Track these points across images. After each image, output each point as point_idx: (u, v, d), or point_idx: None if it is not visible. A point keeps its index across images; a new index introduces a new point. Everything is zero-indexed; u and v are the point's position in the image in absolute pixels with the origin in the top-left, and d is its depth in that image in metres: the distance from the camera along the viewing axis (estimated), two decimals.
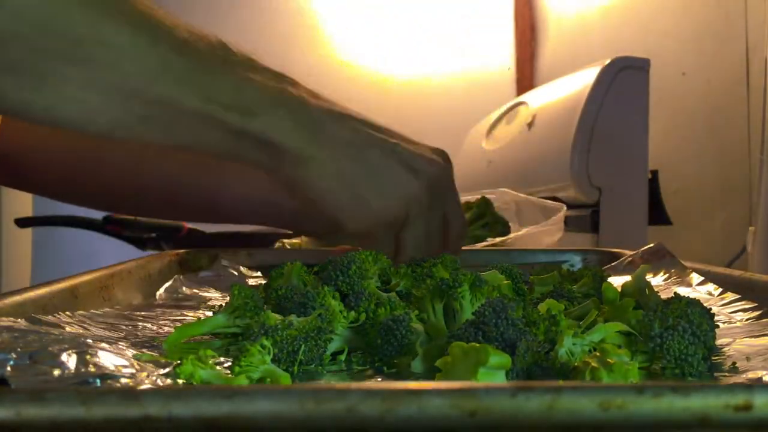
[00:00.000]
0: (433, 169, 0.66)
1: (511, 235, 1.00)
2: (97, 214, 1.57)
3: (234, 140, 0.56)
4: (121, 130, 0.53)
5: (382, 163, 0.63)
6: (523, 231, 1.01)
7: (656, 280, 0.70)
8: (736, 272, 0.62)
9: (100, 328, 0.48)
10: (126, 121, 0.52)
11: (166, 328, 0.51)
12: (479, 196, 1.09)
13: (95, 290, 0.56)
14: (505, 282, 0.57)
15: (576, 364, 0.38)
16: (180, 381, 0.36)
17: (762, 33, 1.28)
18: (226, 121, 0.55)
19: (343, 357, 0.45)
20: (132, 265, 0.66)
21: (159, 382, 0.36)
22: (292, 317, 0.43)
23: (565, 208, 1.07)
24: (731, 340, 0.47)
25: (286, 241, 1.17)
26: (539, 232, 1.00)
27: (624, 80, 1.39)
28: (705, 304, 0.45)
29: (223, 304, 0.51)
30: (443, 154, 0.69)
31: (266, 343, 0.39)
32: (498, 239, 1.00)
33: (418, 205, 0.65)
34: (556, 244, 1.01)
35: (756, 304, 0.54)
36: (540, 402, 0.22)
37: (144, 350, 0.43)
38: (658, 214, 1.52)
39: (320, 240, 0.91)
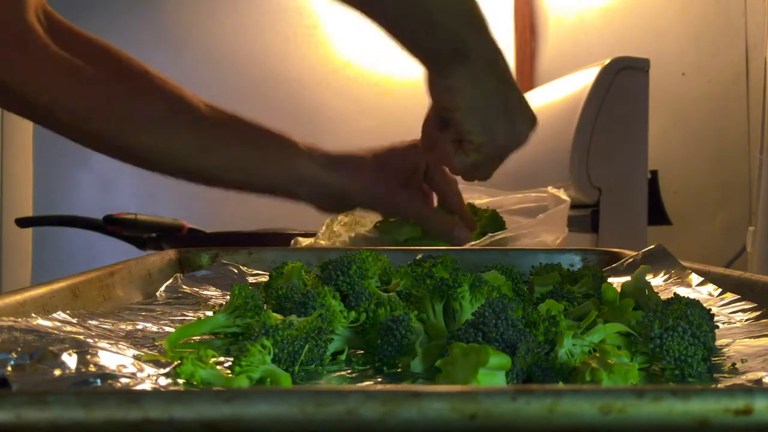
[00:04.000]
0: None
1: (510, 230, 1.00)
2: (97, 214, 1.57)
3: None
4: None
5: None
6: (525, 223, 1.01)
7: (656, 281, 0.70)
8: (736, 273, 0.62)
9: (101, 327, 0.48)
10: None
11: (166, 328, 0.51)
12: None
13: (95, 289, 0.56)
14: (505, 282, 0.57)
15: (576, 364, 0.38)
16: (180, 381, 0.36)
17: (762, 33, 1.28)
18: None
19: (343, 357, 0.45)
20: (132, 264, 0.66)
21: (159, 381, 0.36)
22: (293, 317, 0.43)
23: (569, 202, 1.07)
24: (731, 340, 0.47)
25: (301, 239, 1.17)
26: (539, 228, 1.00)
27: (624, 80, 1.39)
28: (705, 305, 0.45)
29: (223, 304, 0.51)
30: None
31: (267, 342, 0.39)
32: (499, 234, 0.99)
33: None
34: (558, 244, 1.01)
35: (756, 305, 0.54)
36: (540, 405, 0.22)
37: (144, 350, 0.43)
38: (657, 214, 1.52)
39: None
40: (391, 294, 0.54)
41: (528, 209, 1.15)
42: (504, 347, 0.38)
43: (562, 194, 1.09)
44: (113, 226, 1.53)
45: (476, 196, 1.16)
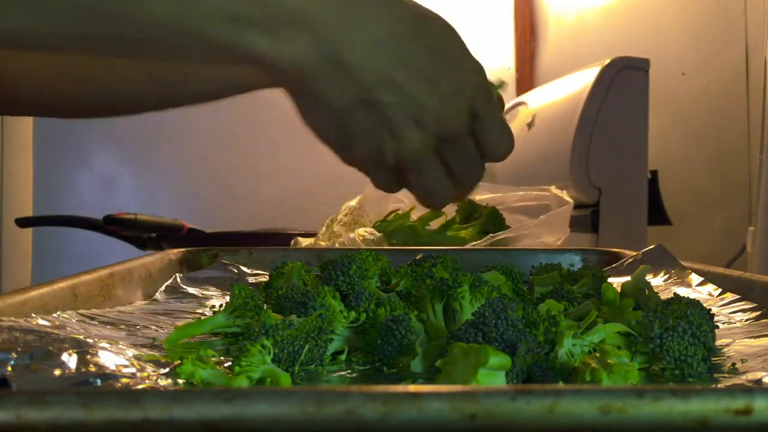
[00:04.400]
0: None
1: (511, 229, 1.00)
2: (98, 214, 1.57)
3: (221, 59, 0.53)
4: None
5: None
6: (526, 223, 1.01)
7: (656, 281, 0.70)
8: (736, 273, 0.62)
9: (101, 327, 0.48)
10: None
11: (166, 328, 0.51)
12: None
13: (95, 290, 0.56)
14: (505, 282, 0.57)
15: (576, 364, 0.38)
16: (180, 380, 0.36)
17: (762, 33, 1.28)
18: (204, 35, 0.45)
19: (343, 357, 0.45)
20: (132, 265, 0.66)
21: (159, 381, 0.36)
22: (293, 317, 0.43)
23: (572, 203, 1.07)
24: (731, 340, 0.47)
25: (301, 239, 1.17)
26: (541, 228, 1.00)
27: (624, 80, 1.39)
28: (705, 305, 0.45)
29: (224, 304, 0.51)
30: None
31: (267, 342, 0.39)
32: (500, 234, 0.99)
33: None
34: (559, 244, 1.01)
35: (756, 305, 0.54)
36: (540, 405, 0.22)
37: (144, 350, 0.43)
38: (657, 214, 1.52)
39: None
40: (391, 294, 0.54)
41: (529, 207, 1.15)
42: (504, 347, 0.38)
43: (565, 195, 1.09)
44: (113, 226, 1.53)
45: (477, 191, 1.16)
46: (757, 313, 0.53)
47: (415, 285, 0.56)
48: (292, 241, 1.18)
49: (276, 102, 0.62)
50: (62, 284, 0.52)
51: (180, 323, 0.52)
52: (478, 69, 0.55)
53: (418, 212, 1.06)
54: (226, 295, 0.66)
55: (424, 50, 0.51)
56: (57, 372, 0.33)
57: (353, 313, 0.47)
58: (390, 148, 0.51)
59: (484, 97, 0.54)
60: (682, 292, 0.63)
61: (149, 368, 0.38)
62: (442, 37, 0.53)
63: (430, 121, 0.51)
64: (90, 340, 0.39)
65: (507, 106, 1.78)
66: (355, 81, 0.48)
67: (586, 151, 1.36)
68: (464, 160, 0.54)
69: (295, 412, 0.21)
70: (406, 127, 0.51)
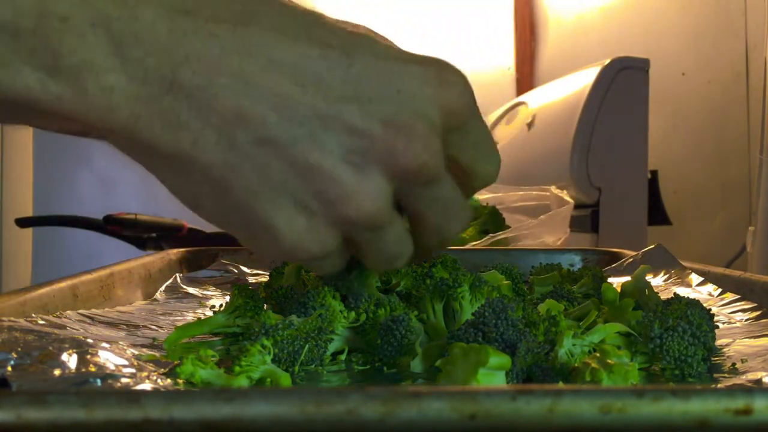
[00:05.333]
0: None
1: (512, 229, 1.00)
2: (98, 214, 1.57)
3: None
4: None
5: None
6: (527, 223, 1.01)
7: (656, 281, 0.70)
8: (736, 272, 0.62)
9: (101, 327, 0.48)
10: None
11: (167, 328, 0.51)
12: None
13: (95, 290, 0.56)
14: (505, 282, 0.57)
15: (576, 364, 0.38)
16: (180, 380, 0.36)
17: (762, 33, 1.28)
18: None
19: (343, 357, 0.45)
20: (132, 265, 0.66)
21: (159, 381, 0.36)
22: (293, 317, 0.43)
23: (572, 204, 1.07)
24: (731, 340, 0.47)
25: None
26: (541, 228, 1.00)
27: (624, 80, 1.39)
28: (705, 305, 0.45)
29: (223, 304, 0.51)
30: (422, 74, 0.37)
31: (267, 342, 0.39)
32: (500, 234, 0.99)
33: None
34: (558, 244, 1.01)
35: (756, 305, 0.54)
36: (540, 405, 0.22)
37: (144, 350, 0.43)
38: (657, 214, 1.52)
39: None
40: (391, 294, 0.54)
41: (529, 207, 1.15)
42: (504, 347, 0.38)
43: (566, 195, 1.09)
44: (113, 226, 1.53)
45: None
46: (757, 313, 0.53)
47: (415, 285, 0.56)
48: None
49: None
50: (62, 284, 0.52)
51: (180, 323, 0.52)
52: (443, 77, 0.38)
53: None
54: (226, 295, 0.66)
55: (337, 62, 0.35)
56: (57, 372, 0.33)
57: (353, 313, 0.47)
58: (320, 211, 0.35)
59: (462, 106, 0.39)
60: (682, 292, 0.63)
61: (149, 368, 0.38)
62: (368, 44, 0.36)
63: (380, 157, 0.35)
64: (90, 340, 0.39)
65: (507, 105, 1.78)
66: (217, 110, 0.33)
67: (586, 151, 1.36)
68: (443, 206, 0.40)
69: (295, 412, 0.21)
70: (335, 173, 0.34)
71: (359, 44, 0.36)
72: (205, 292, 0.69)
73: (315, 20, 0.36)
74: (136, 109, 0.32)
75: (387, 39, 0.39)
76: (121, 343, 0.43)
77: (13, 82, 0.31)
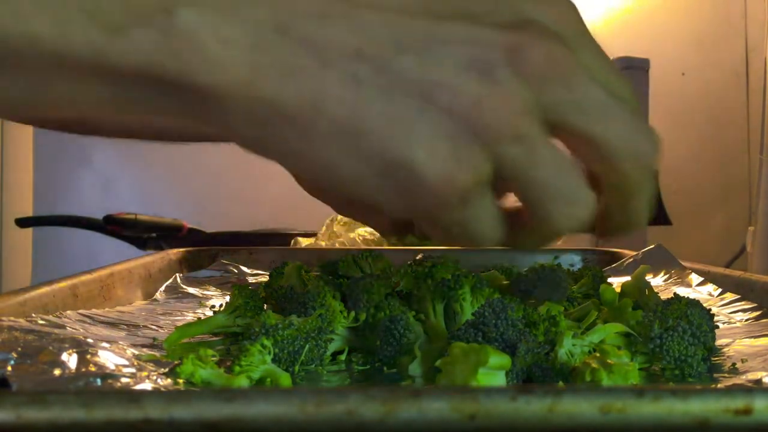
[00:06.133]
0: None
1: None
2: (98, 214, 1.57)
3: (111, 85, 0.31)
4: None
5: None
6: None
7: (656, 281, 0.70)
8: (736, 272, 0.62)
9: (101, 327, 0.48)
10: None
11: (167, 328, 0.51)
12: None
13: (95, 290, 0.56)
14: (505, 282, 0.57)
15: (576, 364, 0.38)
16: (180, 380, 0.36)
17: (762, 33, 1.28)
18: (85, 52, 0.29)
19: (343, 357, 0.45)
20: (132, 265, 0.66)
21: (159, 381, 0.36)
22: (293, 317, 0.43)
23: None
24: (731, 340, 0.47)
25: (301, 239, 1.17)
26: None
27: None
28: (705, 305, 0.45)
29: (223, 304, 0.51)
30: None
31: (267, 342, 0.39)
32: None
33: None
34: (558, 244, 1.01)
35: (756, 305, 0.54)
36: (540, 405, 0.22)
37: (144, 350, 0.43)
38: (658, 214, 1.52)
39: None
40: (390, 296, 0.54)
41: None
42: (504, 347, 0.38)
43: None
44: (113, 226, 1.53)
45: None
46: (757, 313, 0.53)
47: (415, 285, 0.56)
48: (292, 241, 1.18)
49: None
50: (62, 284, 0.52)
51: (180, 323, 0.52)
52: None
53: None
54: (226, 295, 0.66)
55: None
56: (57, 372, 0.33)
57: (353, 314, 0.47)
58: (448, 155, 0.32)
59: (583, 42, 0.34)
60: (682, 292, 0.63)
61: (149, 368, 0.38)
62: None
63: (505, 57, 0.32)
64: (90, 340, 0.39)
65: None
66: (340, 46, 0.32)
67: None
68: (597, 109, 0.33)
69: (295, 412, 0.21)
70: (459, 83, 0.32)
71: None
72: (205, 292, 0.69)
73: None
74: (254, 60, 0.30)
75: None
76: (121, 343, 0.43)
77: (126, 49, 0.29)
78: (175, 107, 0.32)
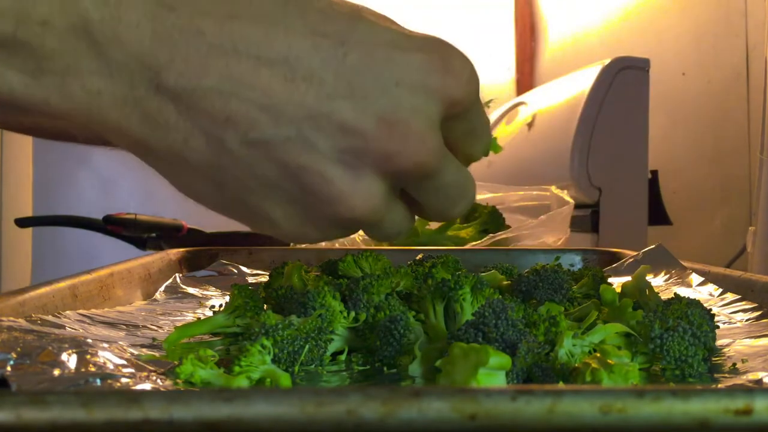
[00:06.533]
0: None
1: (512, 230, 1.00)
2: (98, 214, 1.57)
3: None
4: None
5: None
6: (527, 223, 1.01)
7: (656, 281, 0.70)
8: (736, 273, 0.62)
9: (100, 327, 0.48)
10: None
11: (166, 328, 0.51)
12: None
13: (95, 290, 0.56)
14: (506, 282, 0.57)
15: (576, 365, 0.38)
16: (180, 380, 0.36)
17: (762, 33, 1.28)
18: None
19: (343, 357, 0.45)
20: (132, 265, 0.66)
21: (159, 381, 0.36)
22: (293, 317, 0.43)
23: (572, 204, 1.07)
24: (731, 340, 0.47)
25: None
26: (541, 228, 1.00)
27: (624, 80, 1.39)
28: (705, 305, 0.45)
29: (223, 304, 0.51)
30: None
31: (266, 342, 0.39)
32: (500, 234, 0.99)
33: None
34: (559, 244, 1.01)
35: (756, 305, 0.54)
36: (540, 405, 0.22)
37: (144, 350, 0.43)
38: (658, 214, 1.52)
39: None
40: (390, 297, 0.54)
41: (529, 207, 1.15)
42: (504, 347, 0.38)
43: (566, 195, 1.09)
44: (113, 226, 1.53)
45: (477, 190, 1.16)
46: (758, 313, 0.53)
47: (415, 285, 0.56)
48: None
49: None
50: (62, 284, 0.52)
51: (180, 323, 0.52)
52: (432, 55, 0.35)
53: None
54: (226, 295, 0.66)
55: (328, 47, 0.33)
56: (57, 372, 0.33)
57: (353, 314, 0.47)
58: (314, 212, 0.35)
59: (465, 95, 0.36)
60: (683, 292, 0.63)
61: (149, 368, 0.38)
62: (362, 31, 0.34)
63: (374, 157, 0.33)
64: (90, 340, 0.39)
65: (507, 105, 1.78)
66: (202, 111, 0.32)
67: (586, 151, 1.36)
68: (445, 192, 0.38)
69: (295, 412, 0.21)
70: (326, 174, 0.33)
71: (356, 29, 0.34)
72: (205, 292, 0.69)
73: (308, 4, 0.34)
74: (124, 110, 0.32)
75: (387, 19, 0.36)
76: (120, 343, 0.43)
77: None
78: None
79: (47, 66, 0.30)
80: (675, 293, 0.49)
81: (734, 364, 0.42)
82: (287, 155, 0.33)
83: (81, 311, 0.50)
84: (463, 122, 0.38)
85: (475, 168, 0.42)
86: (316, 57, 0.33)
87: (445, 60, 0.35)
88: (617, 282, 0.59)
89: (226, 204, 0.36)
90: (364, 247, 0.93)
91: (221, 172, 0.34)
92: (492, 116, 1.78)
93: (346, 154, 0.33)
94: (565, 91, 1.51)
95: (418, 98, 0.34)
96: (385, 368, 0.43)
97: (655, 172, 1.53)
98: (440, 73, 0.35)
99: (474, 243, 0.99)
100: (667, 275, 0.70)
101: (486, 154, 0.42)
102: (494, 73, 2.61)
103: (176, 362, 0.37)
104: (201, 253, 0.80)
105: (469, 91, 0.36)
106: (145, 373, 0.36)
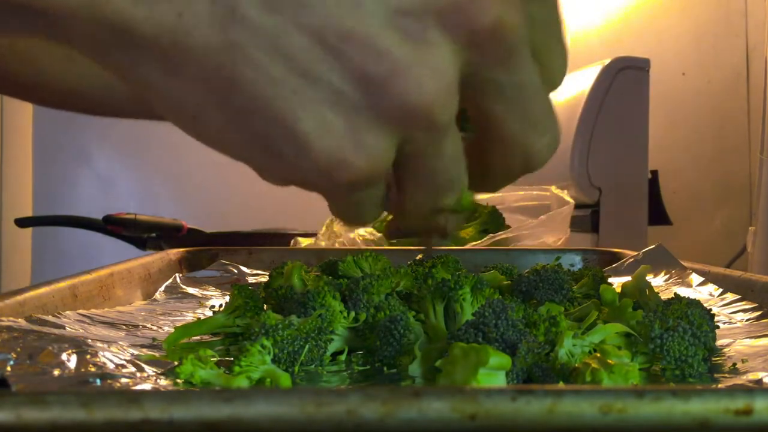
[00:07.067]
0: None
1: (512, 230, 1.00)
2: (97, 214, 1.57)
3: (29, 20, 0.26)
4: None
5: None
6: (527, 223, 1.01)
7: (656, 281, 0.70)
8: (736, 273, 0.62)
9: (100, 327, 0.48)
10: None
11: (166, 328, 0.51)
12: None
13: (95, 290, 0.56)
14: (506, 282, 0.57)
15: (576, 365, 0.38)
16: (180, 381, 0.36)
17: (762, 33, 1.28)
18: None
19: (343, 357, 0.45)
20: (132, 265, 0.66)
21: (159, 381, 0.36)
22: (293, 317, 0.43)
23: (572, 204, 1.07)
24: (731, 340, 0.47)
25: (301, 239, 1.17)
26: (541, 228, 1.00)
27: (624, 80, 1.39)
28: (705, 305, 0.45)
29: (223, 304, 0.51)
30: None
31: (266, 343, 0.39)
32: (500, 234, 0.99)
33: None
34: (559, 244, 1.01)
35: (756, 305, 0.54)
36: (540, 405, 0.22)
37: (144, 350, 0.43)
38: (658, 214, 1.52)
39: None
40: (390, 297, 0.54)
41: (529, 208, 1.15)
42: (504, 347, 0.38)
43: (566, 195, 1.09)
44: (113, 226, 1.53)
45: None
46: (758, 313, 0.53)
47: (416, 285, 0.56)
48: (292, 241, 1.18)
49: None
50: (62, 284, 0.52)
51: (180, 323, 0.52)
52: None
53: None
54: (226, 295, 0.66)
55: None
56: (57, 372, 0.33)
57: (353, 314, 0.47)
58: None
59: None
60: (683, 292, 0.63)
61: (149, 368, 0.38)
62: None
63: (441, 14, 0.25)
64: (90, 340, 0.39)
65: None
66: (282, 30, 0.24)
67: (586, 151, 1.36)
68: (526, 101, 0.30)
69: (295, 412, 0.21)
70: (380, 42, 0.24)
71: None
72: (205, 292, 0.69)
73: None
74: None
75: None
76: (120, 343, 0.43)
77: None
78: (23, 26, 0.26)
79: None
80: (675, 293, 0.49)
81: (734, 364, 0.42)
82: (325, 20, 0.24)
83: (81, 311, 0.50)
84: (538, 4, 0.29)
85: None
86: None
87: None
88: (617, 282, 0.59)
89: (235, 125, 0.26)
90: (364, 247, 0.93)
91: (233, 59, 0.24)
92: None
93: (405, 14, 0.25)
94: (565, 91, 1.51)
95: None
96: (385, 368, 0.43)
97: (655, 172, 1.53)
98: None
99: (474, 243, 0.99)
100: (667, 275, 0.70)
101: (561, 76, 0.32)
102: None
103: (176, 362, 0.37)
104: (201, 253, 0.80)
105: None
106: (146, 373, 0.36)
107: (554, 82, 0.32)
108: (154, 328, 0.51)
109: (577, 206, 1.34)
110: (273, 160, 0.27)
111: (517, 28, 0.27)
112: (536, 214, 1.05)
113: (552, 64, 0.31)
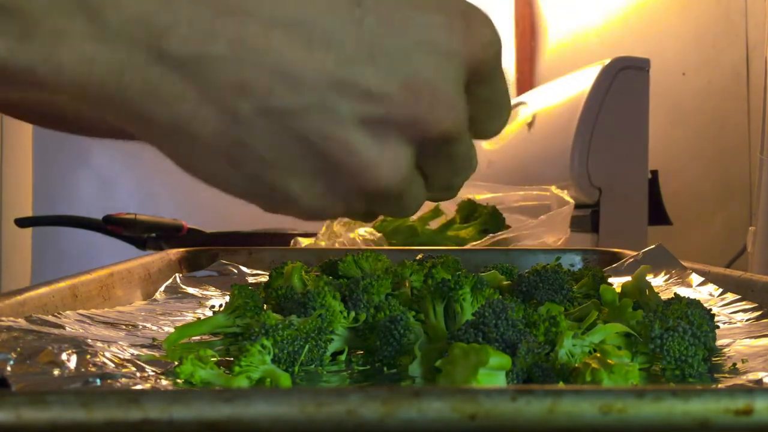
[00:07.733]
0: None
1: (512, 230, 1.00)
2: (97, 214, 1.57)
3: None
4: None
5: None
6: (527, 223, 1.01)
7: (656, 281, 0.70)
8: (736, 273, 0.62)
9: (100, 327, 0.48)
10: None
11: (166, 328, 0.51)
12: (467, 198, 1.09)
13: (95, 290, 0.56)
14: (506, 282, 0.57)
15: (576, 365, 0.38)
16: (180, 380, 0.36)
17: (762, 33, 1.28)
18: None
19: (343, 357, 0.45)
20: (132, 265, 0.66)
21: (159, 381, 0.36)
22: (293, 317, 0.43)
23: (572, 204, 1.07)
24: (731, 340, 0.47)
25: (301, 239, 1.17)
26: (541, 228, 1.00)
27: (624, 80, 1.39)
28: (705, 305, 0.45)
29: (223, 304, 0.51)
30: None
31: (266, 343, 0.39)
32: (500, 234, 0.99)
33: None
34: (559, 244, 1.01)
35: (756, 305, 0.54)
36: (540, 405, 0.22)
37: (144, 350, 0.43)
38: (658, 214, 1.52)
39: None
40: (390, 297, 0.54)
41: (529, 207, 1.15)
42: (504, 347, 0.38)
43: (566, 195, 1.09)
44: (113, 226, 1.53)
45: (477, 190, 1.16)
46: (758, 313, 0.53)
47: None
48: (292, 241, 1.18)
49: None
50: (62, 284, 0.52)
51: (180, 323, 0.52)
52: (469, 12, 0.34)
53: (419, 212, 1.05)
54: (226, 295, 0.66)
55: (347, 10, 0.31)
56: (57, 372, 0.33)
57: (353, 314, 0.47)
58: (330, 184, 0.33)
59: (488, 58, 0.34)
60: (683, 292, 0.63)
61: (149, 368, 0.38)
62: None
63: (400, 123, 0.32)
64: (90, 340, 0.39)
65: None
66: (216, 80, 0.29)
67: (586, 151, 1.36)
68: (456, 162, 0.37)
69: (295, 412, 0.21)
70: (351, 144, 0.31)
71: None
72: (205, 292, 0.69)
73: None
74: (122, 81, 0.28)
75: None
76: (120, 343, 0.43)
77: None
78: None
79: (34, 29, 0.27)
80: (675, 293, 0.49)
81: (734, 364, 0.42)
82: (308, 125, 0.30)
83: (81, 311, 0.50)
84: (484, 88, 0.35)
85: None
86: (332, 20, 0.30)
87: (466, 18, 0.33)
88: (617, 282, 0.59)
89: (240, 183, 0.33)
90: (364, 247, 0.93)
91: (235, 147, 0.31)
92: None
93: (371, 121, 0.31)
94: (565, 91, 1.51)
95: (441, 60, 0.32)
96: (385, 368, 0.43)
97: (655, 172, 1.53)
98: (462, 33, 0.32)
99: (474, 243, 0.99)
100: (667, 275, 0.70)
101: (500, 131, 0.39)
102: None
103: (176, 362, 0.37)
104: (201, 253, 0.80)
105: (492, 51, 0.34)
106: (146, 373, 0.36)
107: (493, 134, 0.39)
108: (154, 328, 0.51)
109: (577, 206, 1.34)
110: (273, 209, 0.35)
111: (461, 126, 0.34)
112: (536, 214, 1.05)
113: (492, 127, 0.38)
